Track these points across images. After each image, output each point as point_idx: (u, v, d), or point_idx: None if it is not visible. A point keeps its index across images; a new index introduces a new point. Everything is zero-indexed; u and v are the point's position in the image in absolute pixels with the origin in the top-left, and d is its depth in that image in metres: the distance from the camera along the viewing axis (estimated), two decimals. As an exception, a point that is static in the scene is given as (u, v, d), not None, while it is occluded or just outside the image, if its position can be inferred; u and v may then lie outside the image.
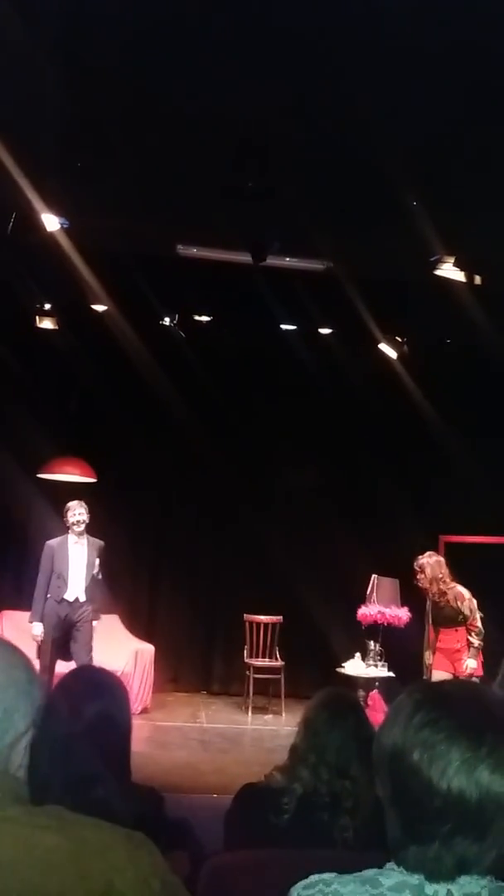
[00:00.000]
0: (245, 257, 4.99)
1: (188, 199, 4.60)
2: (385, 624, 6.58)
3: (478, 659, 5.57)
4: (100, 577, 6.10)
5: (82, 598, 5.94)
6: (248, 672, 7.37)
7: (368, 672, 6.41)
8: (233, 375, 7.67)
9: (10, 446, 7.40)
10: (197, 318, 6.56)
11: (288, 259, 5.22)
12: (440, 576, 5.62)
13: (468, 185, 4.18)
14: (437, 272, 4.95)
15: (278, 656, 7.47)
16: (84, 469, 7.32)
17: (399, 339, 6.59)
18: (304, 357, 6.81)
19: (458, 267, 4.92)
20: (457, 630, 5.64)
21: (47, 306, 6.47)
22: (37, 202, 4.47)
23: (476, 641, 5.55)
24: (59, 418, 7.47)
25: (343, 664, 6.68)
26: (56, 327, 6.58)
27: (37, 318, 6.51)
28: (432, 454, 7.31)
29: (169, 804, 1.92)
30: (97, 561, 6.06)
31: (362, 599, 6.82)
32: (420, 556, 5.76)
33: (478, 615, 5.59)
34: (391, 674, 6.38)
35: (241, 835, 1.89)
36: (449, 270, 4.93)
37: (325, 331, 6.62)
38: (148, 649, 7.21)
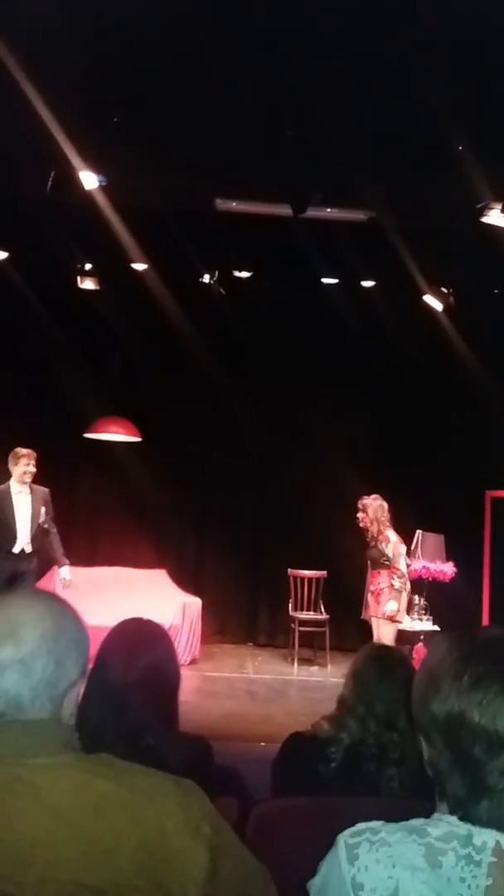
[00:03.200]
0: (285, 210, 4.89)
1: (227, 151, 4.50)
2: (430, 579, 6.56)
3: (400, 602, 5.77)
4: (48, 526, 5.78)
5: (28, 550, 5.70)
6: (293, 625, 7.47)
7: (413, 626, 6.43)
8: (274, 331, 7.59)
9: (56, 407, 7.52)
10: (237, 274, 6.48)
11: (329, 210, 5.09)
12: (381, 518, 5.86)
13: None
14: (484, 219, 4.77)
15: (322, 610, 7.54)
16: (129, 428, 7.39)
17: (445, 290, 6.42)
18: (347, 311, 6.69)
19: (506, 213, 4.73)
20: (380, 572, 5.87)
21: (88, 266, 6.46)
22: (75, 159, 4.44)
23: (397, 584, 5.78)
24: (102, 379, 7.52)
25: (388, 618, 6.70)
26: (97, 287, 6.57)
27: (78, 278, 6.51)
28: (478, 408, 7.16)
29: (217, 752, 1.96)
30: (43, 510, 5.73)
31: (406, 554, 6.81)
32: (365, 497, 5.99)
33: (402, 560, 5.83)
34: (436, 627, 6.38)
35: (288, 782, 1.93)
36: (496, 217, 4.74)
37: (367, 283, 6.48)
38: (195, 602, 7.35)
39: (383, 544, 5.84)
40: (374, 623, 5.93)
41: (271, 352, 7.75)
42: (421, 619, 6.49)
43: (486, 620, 7.25)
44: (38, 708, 1.06)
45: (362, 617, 6.31)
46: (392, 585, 5.79)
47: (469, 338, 6.77)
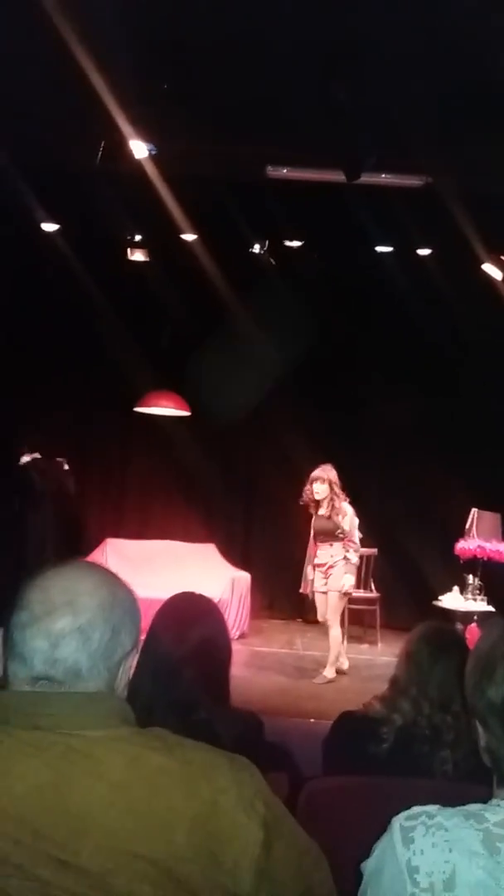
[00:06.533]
0: (338, 176, 4.76)
1: (278, 117, 4.40)
2: (485, 558, 6.44)
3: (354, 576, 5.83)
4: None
5: None
6: (343, 602, 7.42)
7: (467, 606, 6.33)
8: (325, 302, 7.45)
9: (106, 381, 7.58)
10: (287, 243, 6.37)
11: (384, 175, 4.95)
12: (339, 491, 5.81)
13: None
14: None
15: (373, 587, 7.48)
16: (178, 402, 7.41)
17: (504, 258, 6.20)
18: (402, 280, 6.52)
19: None
20: (332, 545, 5.80)
21: (138, 238, 6.44)
22: (125, 128, 4.40)
23: (354, 557, 5.79)
24: (152, 352, 7.54)
25: (440, 597, 6.61)
26: (147, 259, 6.55)
27: (128, 250, 6.50)
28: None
29: (266, 727, 1.95)
30: None
31: (460, 533, 6.68)
32: (323, 466, 5.88)
33: (356, 532, 5.80)
34: (491, 608, 6.27)
35: (339, 761, 1.91)
36: None
37: (424, 252, 6.31)
38: (244, 577, 7.38)
39: (340, 517, 5.75)
40: (321, 598, 5.89)
41: (323, 323, 7.63)
42: (475, 600, 6.38)
43: (542, 601, 7.09)
44: (94, 677, 1.07)
45: (301, 591, 6.32)
46: (348, 559, 5.74)
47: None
